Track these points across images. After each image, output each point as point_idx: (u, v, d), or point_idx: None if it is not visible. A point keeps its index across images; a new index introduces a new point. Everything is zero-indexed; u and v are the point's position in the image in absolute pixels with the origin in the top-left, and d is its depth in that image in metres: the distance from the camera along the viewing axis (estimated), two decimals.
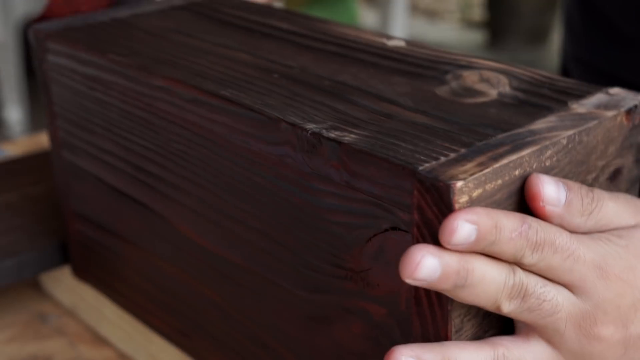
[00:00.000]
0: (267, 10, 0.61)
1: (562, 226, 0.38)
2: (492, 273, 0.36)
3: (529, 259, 0.37)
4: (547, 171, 0.39)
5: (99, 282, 0.63)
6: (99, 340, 0.64)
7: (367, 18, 3.55)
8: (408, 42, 0.53)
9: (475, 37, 3.45)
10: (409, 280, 0.35)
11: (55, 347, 0.63)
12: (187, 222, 0.51)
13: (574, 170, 0.40)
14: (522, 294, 0.37)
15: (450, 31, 3.52)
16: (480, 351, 0.37)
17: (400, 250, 0.38)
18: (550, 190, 0.37)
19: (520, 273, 0.37)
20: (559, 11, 3.23)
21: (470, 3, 3.71)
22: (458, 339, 0.38)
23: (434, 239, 0.37)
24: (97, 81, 0.54)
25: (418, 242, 0.37)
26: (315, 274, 0.44)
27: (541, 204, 0.37)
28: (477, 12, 3.65)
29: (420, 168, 0.36)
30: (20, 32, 2.42)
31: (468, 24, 3.57)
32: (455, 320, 0.38)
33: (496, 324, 0.40)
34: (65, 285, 0.68)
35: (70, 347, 0.63)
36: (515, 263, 0.37)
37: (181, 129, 0.49)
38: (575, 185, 0.38)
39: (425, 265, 0.35)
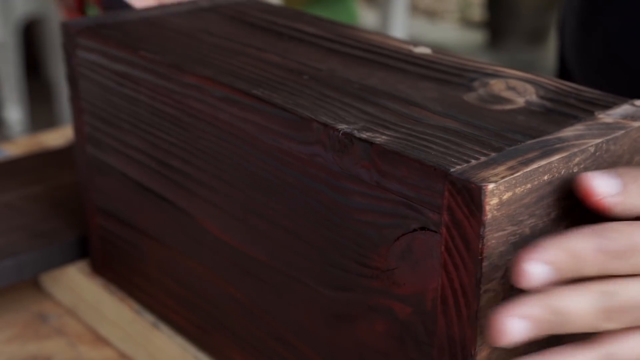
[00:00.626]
0: (294, 14, 0.62)
1: (625, 214, 0.37)
2: (583, 305, 0.35)
3: (617, 266, 0.36)
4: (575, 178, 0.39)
5: (118, 278, 0.64)
6: (99, 340, 0.64)
7: (367, 18, 3.55)
8: (434, 50, 0.54)
9: (475, 37, 3.45)
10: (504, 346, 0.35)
11: (55, 347, 0.63)
12: (211, 218, 0.52)
13: None
14: (620, 310, 0.36)
15: (450, 31, 3.53)
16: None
17: (428, 250, 0.39)
18: (601, 182, 0.36)
19: (612, 292, 0.36)
20: (558, 12, 3.23)
21: (470, 3, 3.72)
22: (483, 339, 0.39)
23: (463, 239, 0.37)
24: (127, 77, 0.55)
25: (446, 242, 0.38)
26: (340, 272, 0.44)
27: (597, 198, 0.36)
28: (477, 12, 3.66)
29: (452, 170, 0.37)
30: (20, 32, 2.42)
31: (468, 24, 3.57)
32: (481, 321, 0.38)
33: None
34: (65, 285, 0.68)
35: (70, 347, 0.63)
36: (605, 276, 0.36)
37: (211, 126, 0.50)
38: (624, 170, 0.37)
39: (513, 330, 0.35)
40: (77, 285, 0.67)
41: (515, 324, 0.35)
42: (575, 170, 0.39)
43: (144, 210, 0.58)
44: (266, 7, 0.64)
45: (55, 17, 2.33)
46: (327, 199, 0.44)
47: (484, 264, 0.37)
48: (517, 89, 0.47)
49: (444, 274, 0.39)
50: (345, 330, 0.45)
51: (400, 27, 2.60)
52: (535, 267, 0.34)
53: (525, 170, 0.37)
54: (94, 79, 0.58)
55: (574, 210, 0.40)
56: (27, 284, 0.70)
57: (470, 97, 0.46)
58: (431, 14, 3.66)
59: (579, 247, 0.35)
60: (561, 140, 0.40)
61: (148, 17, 0.61)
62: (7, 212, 0.69)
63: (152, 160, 0.56)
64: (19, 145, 0.92)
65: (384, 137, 0.41)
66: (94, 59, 0.58)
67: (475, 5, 3.71)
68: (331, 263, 0.45)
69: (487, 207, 0.36)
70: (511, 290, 0.39)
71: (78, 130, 0.62)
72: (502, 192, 0.36)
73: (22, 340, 0.64)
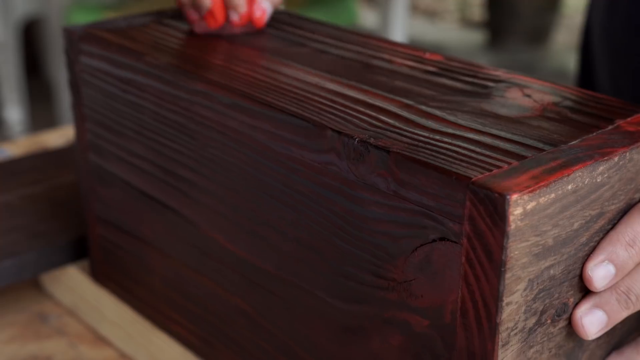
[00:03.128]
0: (299, 20, 0.61)
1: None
2: None
3: None
4: (598, 187, 0.38)
5: (118, 287, 0.62)
6: (99, 340, 0.64)
7: (367, 18, 3.54)
8: (447, 56, 0.53)
9: (475, 37, 3.44)
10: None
11: (56, 347, 0.63)
12: (218, 228, 0.51)
13: (623, 188, 0.40)
14: None
15: (450, 31, 3.52)
16: None
17: (448, 261, 0.38)
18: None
19: None
20: (558, 12, 3.23)
21: (470, 3, 3.71)
22: (504, 353, 0.37)
23: (485, 250, 0.36)
24: (131, 84, 0.54)
25: (467, 253, 0.37)
26: (354, 284, 0.43)
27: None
28: (477, 12, 3.65)
29: (474, 179, 0.36)
30: (20, 32, 2.42)
31: (468, 24, 3.57)
32: (502, 334, 0.37)
33: (540, 340, 0.39)
34: (65, 285, 0.67)
35: (70, 347, 0.63)
36: None
37: (219, 134, 0.48)
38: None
39: (593, 323, 0.40)
40: (77, 285, 0.66)
41: (594, 317, 0.40)
42: (599, 180, 0.38)
43: (148, 219, 0.57)
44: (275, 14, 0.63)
45: (55, 17, 2.32)
46: (341, 209, 0.42)
47: (507, 275, 0.36)
48: (533, 96, 0.46)
49: (465, 285, 0.37)
50: (357, 344, 0.44)
51: (400, 27, 2.59)
52: (598, 271, 0.39)
53: (549, 180, 0.36)
54: (97, 86, 0.57)
55: (597, 220, 0.39)
56: (27, 284, 0.70)
57: (486, 104, 0.45)
58: (431, 14, 3.65)
59: (630, 234, 0.40)
60: (584, 149, 0.39)
61: (152, 22, 0.60)
62: (7, 212, 0.69)
63: (156, 169, 0.54)
64: (19, 145, 0.91)
65: (401, 145, 0.40)
66: (97, 65, 0.57)
67: (475, 5, 3.70)
68: (344, 274, 0.43)
69: (511, 218, 0.35)
70: (534, 302, 0.38)
71: (80, 137, 0.61)
72: (526, 202, 0.35)
73: (23, 341, 0.63)
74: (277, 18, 0.61)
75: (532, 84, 0.48)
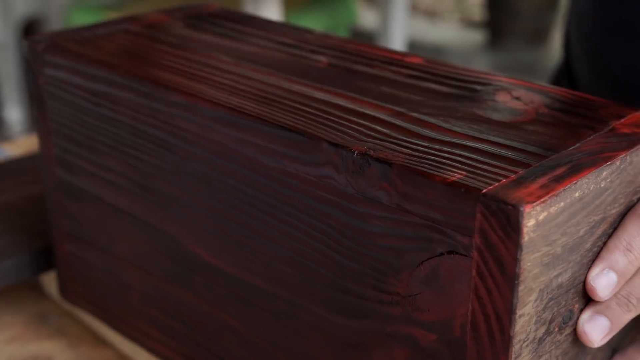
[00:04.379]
0: (285, 27, 0.60)
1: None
2: None
3: None
4: (602, 192, 0.38)
5: (92, 306, 0.60)
6: (100, 340, 0.63)
7: (367, 18, 3.51)
8: (428, 59, 0.52)
9: (475, 37, 3.46)
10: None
11: (56, 347, 0.62)
12: (202, 242, 0.49)
13: (623, 191, 0.40)
14: None
15: (450, 31, 3.53)
16: None
17: (457, 275, 0.37)
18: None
19: None
20: (558, 12, 3.25)
21: (470, 3, 3.73)
22: None
23: (497, 263, 0.36)
24: (105, 97, 0.52)
25: (478, 266, 0.36)
26: (353, 299, 0.42)
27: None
28: (477, 12, 3.67)
29: (484, 190, 0.35)
30: (20, 32, 2.37)
31: (468, 24, 3.58)
32: (515, 347, 0.37)
33: (548, 349, 0.39)
34: None
35: (70, 348, 0.62)
36: None
37: (202, 148, 0.47)
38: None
39: (597, 330, 0.40)
40: None
41: (596, 324, 0.40)
42: (602, 185, 0.38)
43: (123, 235, 0.55)
44: (244, 17, 0.62)
45: (55, 17, 2.28)
46: (338, 222, 0.41)
47: (520, 287, 0.36)
48: (522, 99, 0.46)
49: (475, 299, 0.37)
50: (358, 359, 0.43)
51: (400, 27, 2.58)
52: (599, 281, 0.39)
53: (559, 189, 0.36)
54: (65, 99, 0.55)
55: (600, 225, 0.39)
56: (27, 284, 0.69)
57: (478, 109, 0.44)
58: (431, 14, 3.65)
59: (626, 239, 0.40)
60: (586, 154, 0.39)
61: (123, 29, 0.58)
62: (7, 212, 0.68)
63: (133, 184, 0.52)
64: (19, 145, 0.90)
65: (402, 156, 0.39)
66: (64, 77, 0.54)
67: (475, 5, 3.72)
68: (343, 289, 0.42)
69: (525, 230, 0.34)
70: (543, 312, 0.38)
71: (46, 152, 0.58)
72: (539, 212, 0.35)
73: (23, 341, 0.63)
74: (241, 21, 0.60)
75: (519, 86, 0.47)
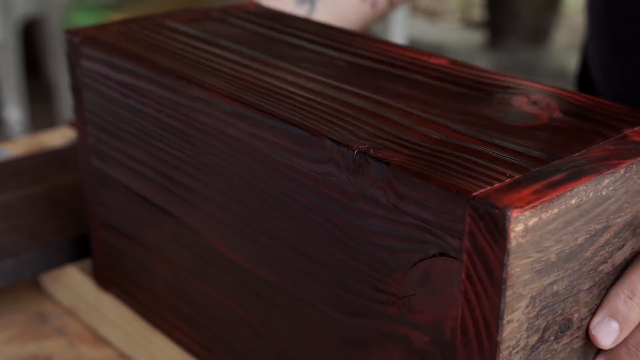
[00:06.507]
0: (304, 23, 0.60)
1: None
2: None
3: None
4: (604, 201, 0.37)
5: (122, 292, 0.62)
6: (99, 340, 0.64)
7: None
8: (451, 60, 0.52)
9: (475, 37, 3.42)
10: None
11: (56, 347, 0.63)
12: (219, 236, 0.50)
13: (629, 201, 0.39)
14: None
15: (450, 31, 3.50)
16: None
17: (448, 277, 0.37)
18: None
19: None
20: (558, 12, 3.21)
21: (470, 3, 3.69)
22: None
23: (485, 266, 0.35)
24: (132, 89, 0.53)
25: (467, 269, 0.36)
26: (353, 297, 0.42)
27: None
28: (477, 12, 3.63)
29: (475, 193, 0.35)
30: (20, 32, 2.43)
31: (468, 24, 3.55)
32: (503, 353, 0.36)
33: (543, 357, 0.38)
34: (65, 285, 0.67)
35: (70, 347, 0.63)
36: None
37: (219, 141, 0.48)
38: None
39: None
40: (77, 285, 0.65)
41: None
42: (604, 194, 0.37)
43: (150, 225, 0.56)
44: (278, 16, 0.62)
45: (56, 17, 2.33)
46: (340, 220, 0.42)
47: (508, 293, 0.35)
48: (539, 103, 0.45)
49: (465, 302, 0.36)
50: (357, 357, 0.43)
51: (400, 27, 2.57)
52: (601, 330, 0.39)
53: (552, 195, 0.35)
54: (98, 90, 0.56)
55: (602, 233, 0.38)
56: (27, 284, 0.70)
57: (490, 112, 0.44)
58: (431, 14, 3.64)
59: (629, 285, 0.39)
60: (589, 160, 0.38)
61: (155, 25, 0.59)
62: (7, 212, 0.68)
63: (157, 175, 0.54)
64: (19, 145, 0.91)
65: (401, 156, 0.39)
66: (98, 69, 0.56)
67: (475, 5, 3.68)
68: (344, 287, 0.43)
69: (512, 234, 0.34)
70: (536, 319, 0.37)
71: (82, 141, 0.60)
72: (528, 218, 0.34)
73: (23, 340, 0.63)
74: (275, 19, 0.61)
75: (539, 90, 0.46)
